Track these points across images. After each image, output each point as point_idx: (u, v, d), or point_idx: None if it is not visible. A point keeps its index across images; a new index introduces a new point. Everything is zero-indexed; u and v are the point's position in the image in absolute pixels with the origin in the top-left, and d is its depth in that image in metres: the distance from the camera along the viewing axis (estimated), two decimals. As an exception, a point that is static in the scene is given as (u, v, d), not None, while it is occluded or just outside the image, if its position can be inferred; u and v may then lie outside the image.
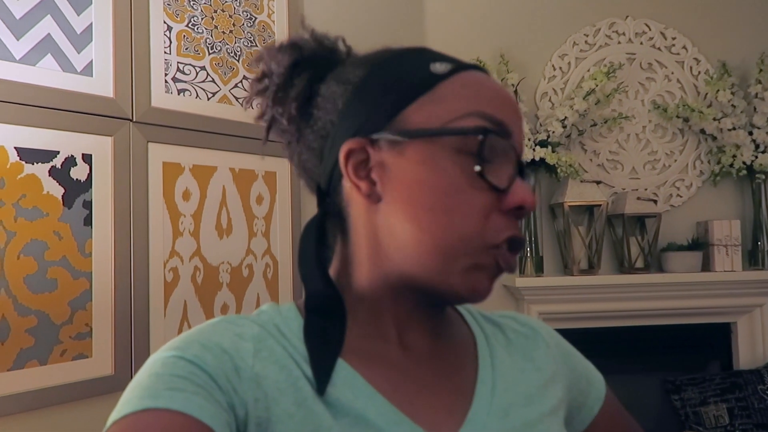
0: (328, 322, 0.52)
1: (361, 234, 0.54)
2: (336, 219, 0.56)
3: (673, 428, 2.18)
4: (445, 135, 0.50)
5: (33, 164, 1.26)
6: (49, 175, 1.29)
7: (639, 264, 2.22)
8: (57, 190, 1.29)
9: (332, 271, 0.57)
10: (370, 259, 0.54)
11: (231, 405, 0.46)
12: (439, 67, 0.53)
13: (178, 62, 1.54)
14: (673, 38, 2.37)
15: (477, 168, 0.49)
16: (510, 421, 0.54)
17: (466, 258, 0.50)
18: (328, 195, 0.56)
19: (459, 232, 0.49)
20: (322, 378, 0.49)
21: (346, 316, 0.53)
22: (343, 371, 0.51)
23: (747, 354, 2.32)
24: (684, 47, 2.38)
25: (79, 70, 1.35)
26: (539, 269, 2.17)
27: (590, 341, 2.30)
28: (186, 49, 1.56)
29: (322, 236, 0.56)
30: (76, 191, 1.32)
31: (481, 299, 0.52)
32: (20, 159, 1.24)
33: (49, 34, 1.30)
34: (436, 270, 0.50)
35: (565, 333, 2.41)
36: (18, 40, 1.26)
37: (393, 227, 0.51)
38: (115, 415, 0.43)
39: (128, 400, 0.43)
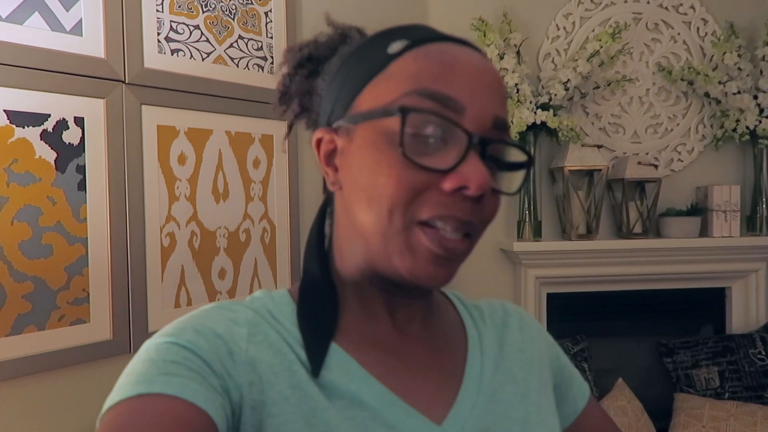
0: (321, 306, 0.53)
1: (340, 222, 0.55)
2: (331, 206, 0.58)
3: (666, 390, 2.22)
4: (372, 118, 0.49)
5: (24, 128, 1.23)
6: (41, 139, 1.26)
7: (637, 229, 2.22)
8: (49, 155, 1.27)
9: (332, 258, 0.58)
10: (348, 246, 0.54)
11: (225, 389, 0.46)
12: (395, 46, 0.51)
13: (171, 21, 1.49)
14: (681, -3, 2.31)
15: (399, 149, 0.47)
16: (499, 399, 0.56)
17: (398, 238, 0.48)
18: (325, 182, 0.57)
19: (386, 207, 0.48)
20: (316, 360, 0.50)
21: (339, 301, 0.54)
22: (337, 355, 0.51)
23: (740, 318, 2.34)
24: (692, 6, 2.31)
25: (68, 30, 1.30)
26: (537, 234, 2.17)
27: (587, 305, 2.33)
28: (179, 6, 1.51)
29: (323, 223, 0.58)
30: (69, 155, 1.30)
31: (431, 284, 0.49)
32: (10, 122, 1.21)
33: (36, -9, 1.25)
34: (379, 253, 0.50)
35: (562, 297, 2.42)
36: (4, -3, 1.21)
37: (351, 213, 0.51)
38: (110, 401, 0.43)
39: (123, 386, 0.43)
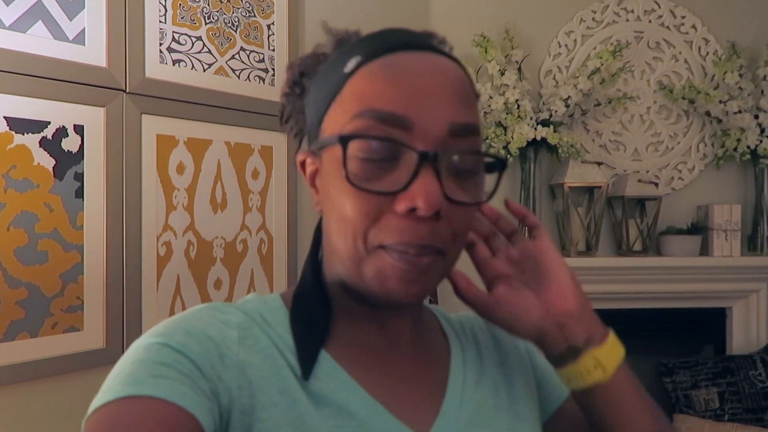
0: (313, 313, 0.53)
1: (325, 238, 0.56)
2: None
3: (665, 411, 2.19)
4: (327, 145, 0.50)
5: (23, 134, 1.24)
6: (40, 146, 1.26)
7: (637, 247, 2.21)
8: (48, 162, 1.27)
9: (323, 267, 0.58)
10: (330, 261, 0.55)
11: (215, 392, 0.45)
12: (350, 65, 0.51)
13: (173, 32, 1.50)
14: (683, 17, 2.32)
15: (344, 175, 0.47)
16: (482, 412, 0.56)
17: (366, 262, 0.49)
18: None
19: (349, 235, 0.49)
20: (307, 365, 0.50)
21: (332, 309, 0.54)
22: (326, 363, 0.51)
23: (741, 339, 2.32)
24: (693, 26, 2.32)
25: (71, 39, 1.31)
26: (536, 250, 2.15)
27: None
28: (182, 18, 1.52)
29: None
30: (67, 163, 1.30)
31: (403, 302, 0.49)
32: (10, 129, 1.22)
33: (40, 0, 1.27)
34: (353, 276, 0.50)
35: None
36: (8, 5, 1.22)
37: (329, 232, 0.53)
38: (97, 402, 0.42)
39: (111, 387, 0.43)
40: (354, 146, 0.47)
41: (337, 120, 0.50)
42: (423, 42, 0.52)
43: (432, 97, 0.47)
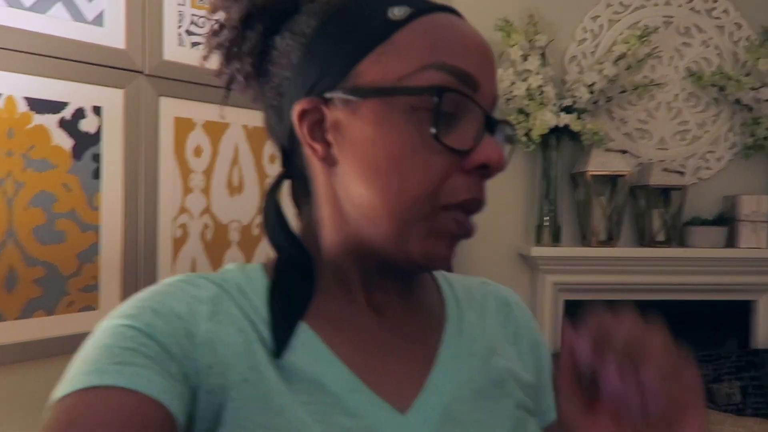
0: (295, 282, 0.50)
1: (322, 196, 0.52)
2: (301, 180, 0.54)
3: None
4: (398, 94, 0.46)
5: (42, 115, 1.25)
6: (59, 127, 1.28)
7: (660, 237, 2.16)
8: (66, 142, 1.29)
9: (301, 233, 0.55)
10: (331, 222, 0.52)
11: (185, 374, 0.44)
12: (397, 12, 0.48)
13: (192, 14, 1.50)
14: (715, 0, 2.24)
15: (432, 131, 0.45)
16: (473, 387, 0.53)
17: (422, 223, 0.47)
18: (291, 155, 0.53)
19: (413, 195, 0.46)
20: (281, 340, 0.47)
21: (315, 277, 0.51)
22: (304, 334, 0.49)
23: (766, 333, 2.26)
24: (725, 11, 2.25)
25: (89, 20, 1.32)
26: (556, 239, 2.13)
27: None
28: (201, 0, 1.51)
29: (297, 196, 0.56)
30: (85, 144, 1.31)
31: (441, 267, 0.49)
32: (30, 109, 1.23)
33: (58, -19, 1.27)
34: (392, 236, 0.48)
35: (580, 304, 2.37)
36: (27, -14, 1.23)
37: (349, 191, 0.49)
38: (61, 391, 0.41)
39: (75, 376, 0.41)
40: (428, 100, 0.45)
41: (393, 68, 0.46)
42: (456, 10, 0.52)
43: (489, 63, 0.49)
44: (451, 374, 0.53)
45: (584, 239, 2.17)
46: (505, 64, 2.09)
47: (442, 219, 0.47)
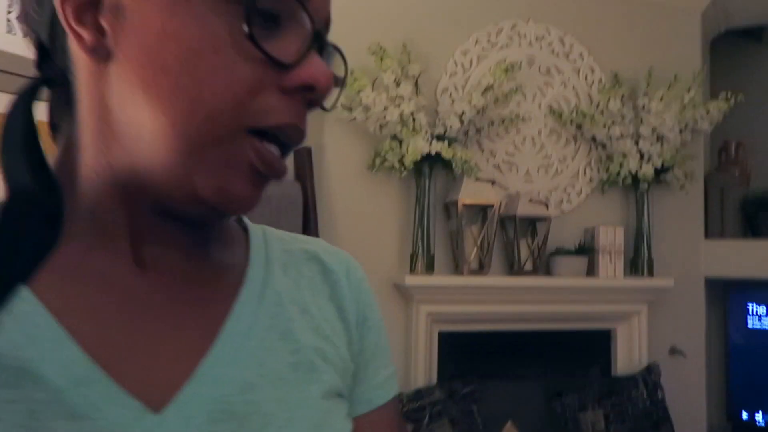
0: (25, 229, 0.33)
1: (86, 107, 0.38)
2: (61, 88, 0.40)
3: (553, 434, 2.17)
4: None
5: None
6: None
7: (528, 267, 2.20)
8: None
9: (55, 161, 0.40)
10: (94, 143, 0.38)
11: None
12: None
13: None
14: (571, 45, 2.40)
15: (245, 29, 0.35)
16: (264, 369, 0.41)
17: (217, 149, 0.36)
18: (51, 54, 0.40)
19: (208, 108, 0.35)
20: None
21: (61, 221, 0.35)
22: (23, 305, 0.35)
23: (625, 360, 2.37)
24: (581, 55, 2.41)
25: None
26: (430, 267, 2.09)
27: (478, 344, 2.25)
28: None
29: (55, 113, 0.41)
30: None
31: (239, 210, 0.39)
32: None
33: None
34: (175, 164, 0.36)
35: (456, 336, 2.31)
36: None
37: (124, 98, 0.36)
38: None
39: None
40: None
41: None
42: None
43: None
44: (235, 354, 0.40)
45: (457, 268, 2.16)
46: (379, 89, 2.07)
47: (245, 146, 0.37)
